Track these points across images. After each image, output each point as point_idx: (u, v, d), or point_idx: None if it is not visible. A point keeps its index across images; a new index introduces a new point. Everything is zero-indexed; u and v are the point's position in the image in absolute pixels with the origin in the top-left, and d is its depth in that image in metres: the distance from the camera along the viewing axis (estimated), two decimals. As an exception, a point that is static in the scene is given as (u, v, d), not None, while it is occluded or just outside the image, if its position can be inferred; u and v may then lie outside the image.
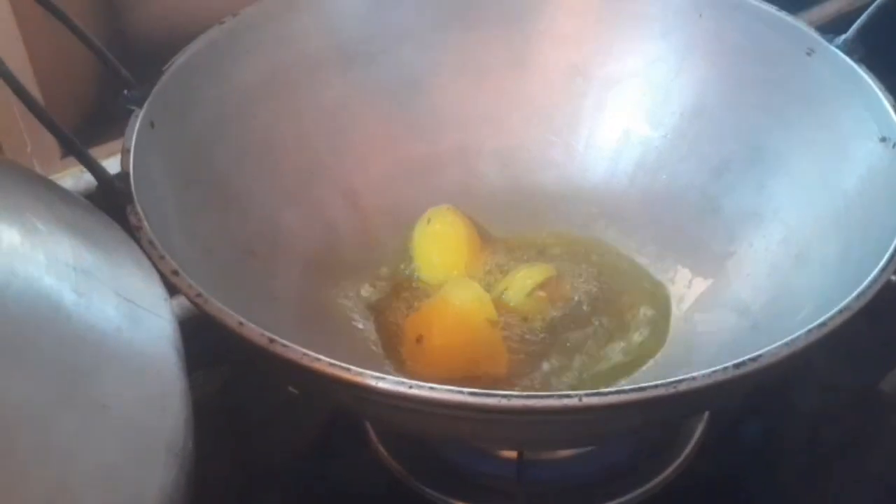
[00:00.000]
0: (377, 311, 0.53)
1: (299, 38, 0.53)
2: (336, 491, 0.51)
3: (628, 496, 0.48)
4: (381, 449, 0.50)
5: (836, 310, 0.36)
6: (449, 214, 0.55)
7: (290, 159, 0.52)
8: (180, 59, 0.47)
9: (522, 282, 0.52)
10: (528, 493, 0.48)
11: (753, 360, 0.33)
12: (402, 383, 0.33)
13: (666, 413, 0.37)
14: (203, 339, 0.37)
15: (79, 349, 0.29)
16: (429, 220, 0.54)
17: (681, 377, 0.32)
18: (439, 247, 0.54)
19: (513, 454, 0.48)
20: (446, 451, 0.50)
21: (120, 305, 0.31)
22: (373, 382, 0.33)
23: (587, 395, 0.32)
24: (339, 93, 0.55)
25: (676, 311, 0.52)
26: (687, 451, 0.50)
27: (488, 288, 0.52)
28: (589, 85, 0.58)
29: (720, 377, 0.33)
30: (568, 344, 0.50)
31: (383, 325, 0.52)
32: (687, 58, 0.55)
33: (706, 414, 0.52)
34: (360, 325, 0.52)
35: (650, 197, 0.56)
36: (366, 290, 0.53)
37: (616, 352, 0.50)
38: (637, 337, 0.51)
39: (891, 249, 0.38)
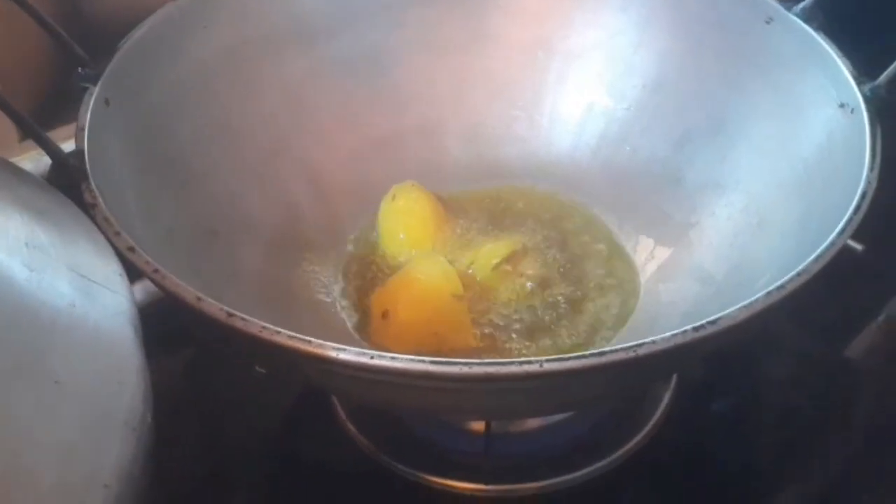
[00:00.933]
0: (342, 288, 0.52)
1: (257, 15, 0.53)
2: (306, 469, 0.51)
3: (595, 466, 0.48)
4: (350, 426, 0.50)
5: (794, 272, 0.36)
6: (413, 191, 0.54)
7: (251, 137, 0.52)
8: (135, 36, 0.47)
9: (488, 256, 0.52)
10: (496, 466, 0.48)
11: (712, 322, 0.34)
12: (364, 353, 0.32)
13: (629, 378, 0.37)
14: (164, 324, 0.37)
15: (31, 325, 0.28)
16: (394, 197, 0.54)
17: (641, 341, 0.32)
18: (405, 223, 0.54)
19: (480, 428, 0.48)
20: (415, 426, 0.50)
21: (74, 281, 0.31)
22: (334, 354, 0.33)
23: (548, 360, 0.32)
24: (300, 70, 0.54)
25: (640, 281, 0.52)
26: (653, 421, 0.50)
27: (454, 263, 0.52)
28: (551, 59, 0.58)
29: (679, 340, 0.33)
30: (535, 318, 0.50)
31: (350, 302, 0.52)
32: (647, 30, 0.55)
33: (673, 384, 0.52)
34: (327, 303, 0.52)
35: (613, 169, 0.56)
36: (331, 269, 0.53)
37: (582, 325, 0.50)
38: (603, 309, 0.51)
39: (849, 212, 0.38)
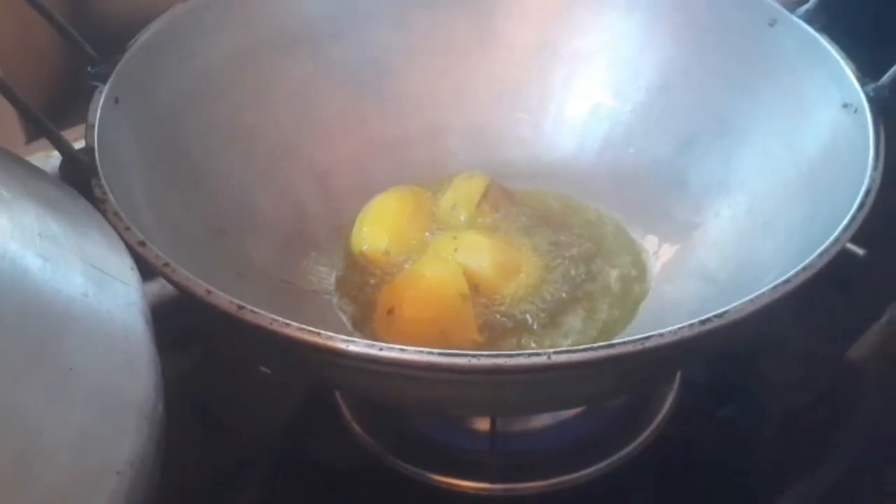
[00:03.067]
0: (348, 287, 0.53)
1: (264, 18, 0.53)
2: (311, 469, 0.51)
3: (600, 465, 0.48)
4: (355, 426, 0.50)
5: (798, 267, 0.36)
6: (392, 193, 0.55)
7: (258, 138, 0.52)
8: (145, 36, 0.47)
9: (467, 194, 0.53)
10: (501, 464, 0.48)
11: (719, 316, 0.34)
12: (373, 345, 0.33)
13: (636, 372, 0.37)
14: (169, 326, 0.37)
15: (45, 314, 0.29)
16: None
17: (648, 334, 0.33)
18: (364, 219, 0.54)
19: (486, 426, 0.49)
20: (420, 425, 0.50)
21: (86, 271, 0.31)
22: (343, 346, 0.33)
23: (556, 352, 0.32)
24: (307, 72, 0.55)
25: (649, 280, 0.52)
26: (657, 420, 0.51)
27: (433, 215, 0.54)
28: (556, 62, 0.58)
29: (686, 333, 0.33)
30: (539, 317, 0.50)
31: (355, 301, 0.52)
32: (651, 33, 0.56)
33: (676, 384, 0.52)
34: (333, 302, 0.52)
35: (618, 171, 0.56)
36: (335, 267, 0.53)
37: (588, 324, 0.50)
38: (607, 309, 0.51)
39: (853, 209, 0.39)
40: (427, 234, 0.53)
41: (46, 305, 0.29)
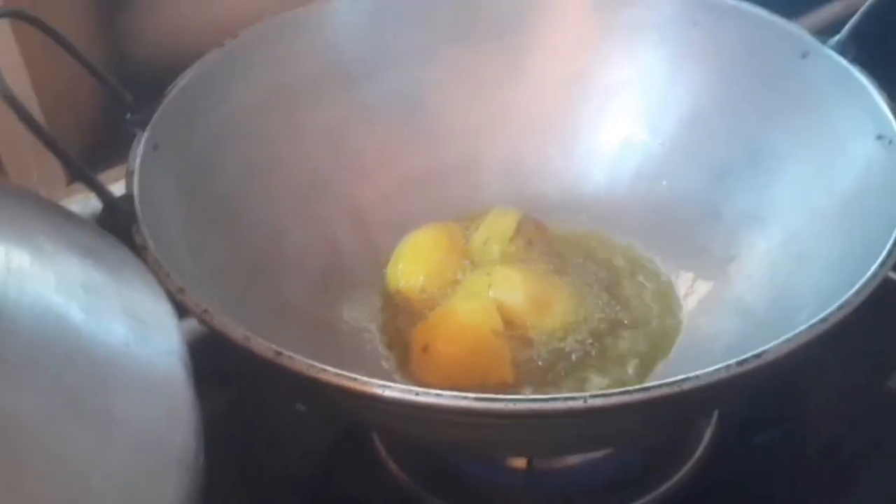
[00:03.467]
0: (386, 325, 0.53)
1: (297, 59, 0.54)
2: (347, 506, 0.52)
3: (637, 502, 0.48)
4: (391, 463, 0.51)
5: (836, 305, 0.36)
6: (427, 230, 0.55)
7: (293, 177, 0.53)
8: (182, 82, 0.48)
9: (500, 230, 0.53)
10: (538, 501, 0.48)
11: (757, 356, 0.34)
12: (410, 391, 0.33)
13: (673, 413, 0.37)
14: (206, 363, 0.37)
15: (88, 365, 0.29)
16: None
17: (685, 376, 0.33)
18: (402, 255, 0.55)
19: (522, 463, 0.49)
20: (456, 462, 0.50)
21: (128, 322, 0.32)
22: (379, 391, 0.33)
23: (592, 396, 0.32)
24: (340, 110, 0.55)
25: (682, 314, 0.52)
26: (696, 457, 0.50)
27: (467, 252, 0.54)
28: (587, 94, 0.58)
29: (723, 375, 0.33)
30: (574, 354, 0.50)
31: (393, 339, 0.52)
32: (682, 65, 0.56)
33: (714, 419, 0.52)
34: (368, 339, 0.52)
35: (650, 203, 0.56)
36: (371, 303, 0.54)
37: (622, 361, 0.50)
38: (642, 345, 0.51)
39: (889, 244, 0.39)
40: (461, 270, 0.53)
41: (90, 356, 0.30)
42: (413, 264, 0.54)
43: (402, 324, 0.53)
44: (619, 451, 0.50)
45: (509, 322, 0.50)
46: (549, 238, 0.56)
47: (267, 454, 0.54)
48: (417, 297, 0.53)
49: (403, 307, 0.53)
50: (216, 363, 0.39)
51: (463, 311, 0.50)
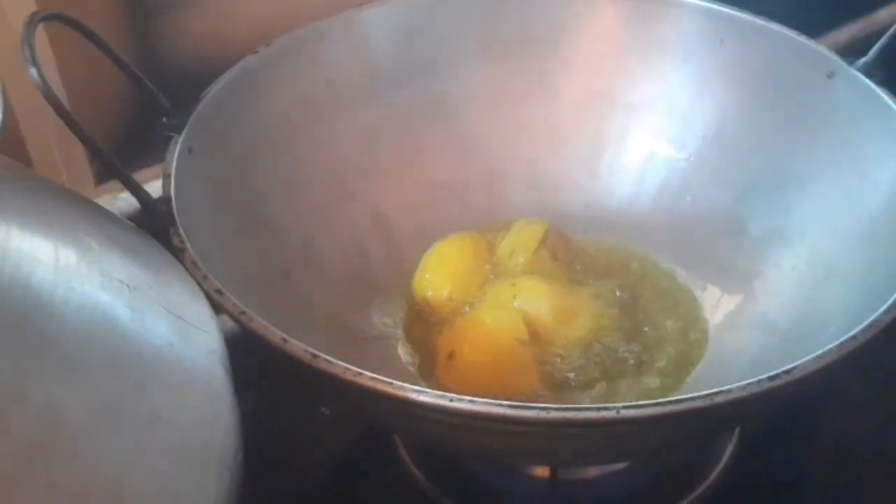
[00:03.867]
0: (412, 332, 0.54)
1: (330, 67, 0.54)
2: (369, 511, 0.52)
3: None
4: (414, 469, 0.51)
5: (865, 323, 0.36)
6: (452, 239, 0.56)
7: (322, 183, 0.54)
8: (216, 88, 0.49)
9: (526, 241, 0.54)
10: (560, 511, 0.48)
11: (787, 372, 0.34)
12: (444, 396, 0.33)
13: (702, 426, 0.37)
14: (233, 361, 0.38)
15: (134, 363, 0.30)
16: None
17: (716, 389, 0.33)
18: (429, 264, 0.55)
19: (545, 473, 0.49)
20: (478, 470, 0.51)
21: (170, 321, 0.32)
22: (414, 396, 0.34)
23: (625, 407, 0.32)
24: (370, 118, 0.56)
25: (708, 328, 0.52)
26: (717, 471, 0.51)
27: (492, 262, 0.55)
28: (613, 111, 0.59)
29: (755, 389, 0.33)
30: (598, 364, 0.50)
31: (419, 346, 0.53)
32: (709, 82, 0.56)
33: (736, 434, 0.52)
34: (394, 345, 0.53)
35: (675, 219, 0.56)
36: (397, 309, 0.54)
37: (648, 373, 0.50)
38: (667, 358, 0.51)
39: (917, 265, 0.39)
40: (486, 280, 0.54)
41: (135, 355, 0.30)
42: (439, 273, 0.54)
43: (427, 332, 0.53)
44: (640, 465, 0.50)
45: (534, 332, 0.50)
46: (574, 250, 0.56)
47: (289, 458, 0.54)
48: (443, 305, 0.53)
49: (429, 315, 0.54)
50: (242, 365, 0.40)
51: (489, 320, 0.50)
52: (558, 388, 0.49)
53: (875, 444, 0.54)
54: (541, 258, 0.54)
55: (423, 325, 0.53)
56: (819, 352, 0.35)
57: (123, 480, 0.27)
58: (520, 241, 0.55)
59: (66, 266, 0.31)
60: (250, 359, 0.39)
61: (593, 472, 0.50)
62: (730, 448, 0.51)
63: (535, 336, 0.50)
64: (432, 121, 0.58)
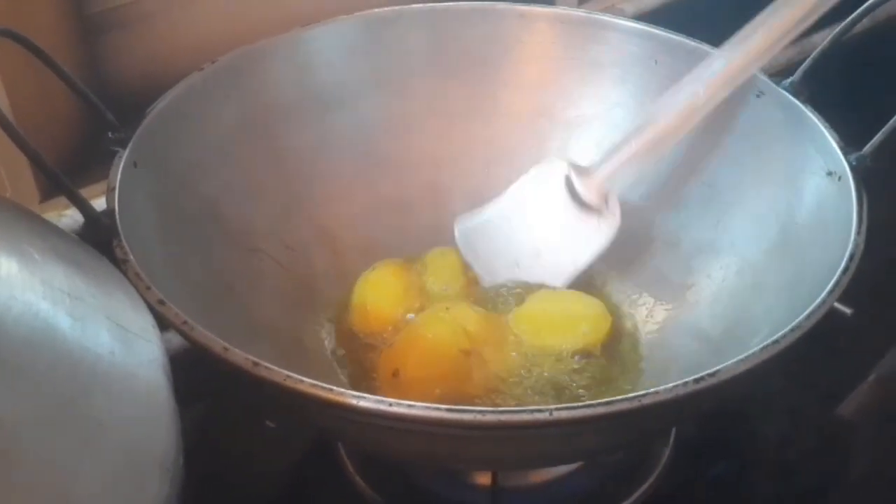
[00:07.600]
0: (348, 347, 0.54)
1: (274, 84, 0.55)
2: (314, 523, 0.52)
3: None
4: (359, 480, 0.52)
5: (787, 328, 0.38)
6: (386, 266, 0.56)
7: (268, 198, 0.54)
8: (162, 104, 0.49)
9: (450, 272, 0.56)
10: (502, 518, 0.49)
11: (712, 374, 0.36)
12: (383, 401, 0.34)
13: (633, 428, 0.38)
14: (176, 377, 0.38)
15: (75, 370, 0.30)
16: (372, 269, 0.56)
17: (645, 391, 0.34)
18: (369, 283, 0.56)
19: (487, 481, 0.50)
20: (423, 479, 0.51)
21: (112, 330, 0.33)
22: (354, 401, 0.34)
23: (557, 409, 0.34)
24: (315, 135, 0.57)
25: (639, 340, 0.54)
26: (652, 477, 0.52)
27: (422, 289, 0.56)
28: (553, 127, 0.60)
29: (681, 391, 0.35)
30: (539, 373, 0.51)
31: (353, 361, 0.53)
32: (644, 101, 0.58)
33: (671, 441, 0.54)
34: (335, 361, 0.53)
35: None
36: (342, 326, 0.55)
37: (584, 385, 0.51)
38: (601, 370, 0.52)
39: (838, 273, 0.41)
40: (420, 304, 0.55)
41: (76, 363, 0.30)
42: (377, 292, 0.55)
43: (363, 348, 0.53)
44: (582, 471, 0.51)
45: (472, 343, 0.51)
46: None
47: (234, 471, 0.54)
48: (378, 327, 0.54)
49: (366, 332, 0.54)
50: (185, 381, 0.40)
51: (430, 334, 0.50)
52: (500, 396, 0.50)
53: (808, 456, 0.56)
54: (470, 283, 0.56)
55: (360, 342, 0.54)
56: (743, 355, 0.36)
57: (65, 486, 0.28)
58: (443, 272, 0.56)
59: (7, 275, 0.31)
60: (196, 374, 0.39)
61: (532, 479, 0.51)
62: (665, 454, 0.53)
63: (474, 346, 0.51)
64: (374, 139, 0.59)
